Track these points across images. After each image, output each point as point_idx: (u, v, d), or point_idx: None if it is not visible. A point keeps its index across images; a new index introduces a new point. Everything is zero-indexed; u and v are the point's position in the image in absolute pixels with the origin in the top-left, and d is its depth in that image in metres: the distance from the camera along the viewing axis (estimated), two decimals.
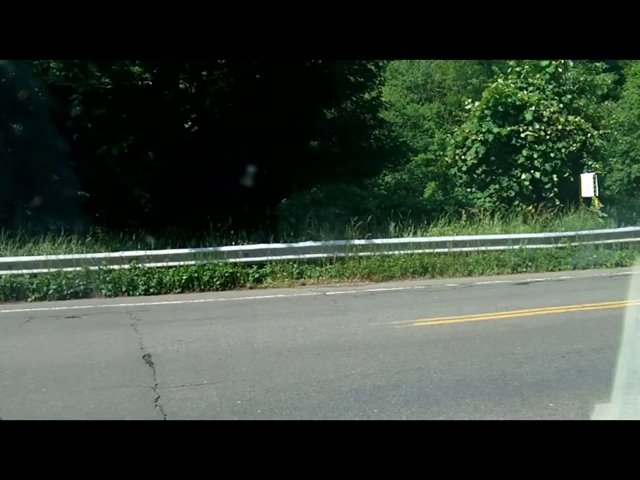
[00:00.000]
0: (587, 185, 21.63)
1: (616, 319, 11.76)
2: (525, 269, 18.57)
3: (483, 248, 18.79)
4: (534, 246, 19.06)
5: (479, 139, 23.15)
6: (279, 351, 9.89)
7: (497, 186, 23.04)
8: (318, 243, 18.25)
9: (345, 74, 26.55)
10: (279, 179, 23.43)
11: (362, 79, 28.37)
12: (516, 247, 18.89)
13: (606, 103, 41.13)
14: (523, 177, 22.72)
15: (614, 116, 34.26)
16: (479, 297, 15.15)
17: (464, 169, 23.56)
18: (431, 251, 18.53)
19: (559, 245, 19.32)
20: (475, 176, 23.45)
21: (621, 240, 19.93)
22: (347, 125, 28.19)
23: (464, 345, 10.05)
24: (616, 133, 39.01)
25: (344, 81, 26.54)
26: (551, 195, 22.50)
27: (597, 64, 27.33)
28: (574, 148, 22.89)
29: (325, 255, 18.05)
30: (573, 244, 19.36)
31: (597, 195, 21.56)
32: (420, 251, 18.43)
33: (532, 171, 22.76)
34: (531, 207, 21.66)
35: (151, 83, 20.77)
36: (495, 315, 12.27)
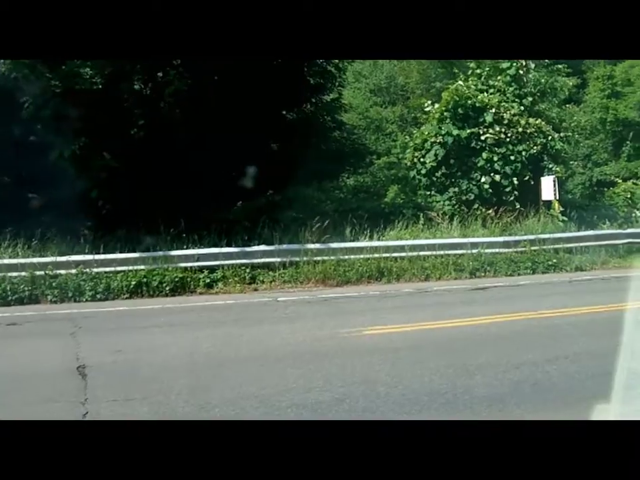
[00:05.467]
0: (547, 188, 21.28)
1: (573, 326, 11.53)
2: (483, 274, 18.18)
3: (441, 252, 18.38)
4: (493, 250, 18.67)
5: (438, 141, 22.73)
6: (221, 362, 9.53)
7: (457, 189, 22.65)
8: (271, 247, 17.73)
9: (304, 75, 26.04)
10: (236, 181, 22.85)
11: (322, 81, 27.85)
12: (474, 251, 18.49)
13: (568, 106, 41.18)
14: (483, 180, 22.33)
15: (575, 118, 34.08)
16: (435, 304, 14.77)
17: (423, 171, 23.12)
18: (388, 255, 18.09)
19: (519, 249, 18.94)
20: (435, 179, 23.05)
21: (581, 244, 19.61)
22: (306, 127, 27.67)
23: (414, 355, 9.72)
24: (577, 136, 39.16)
25: (304, 82, 26.03)
26: (511, 198, 22.14)
27: (559, 66, 26.93)
28: (534, 151, 22.54)
29: (279, 259, 17.55)
30: (533, 248, 18.99)
31: (557, 198, 21.21)
32: (377, 256, 17.97)
33: (492, 174, 22.37)
34: (490, 211, 21.28)
35: (101, 86, 20.09)
36: (449, 323, 11.88)
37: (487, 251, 18.54)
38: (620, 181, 28.59)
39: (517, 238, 19.34)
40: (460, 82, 23.81)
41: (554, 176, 21.47)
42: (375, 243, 18.41)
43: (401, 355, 9.69)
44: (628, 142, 37.19)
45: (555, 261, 18.72)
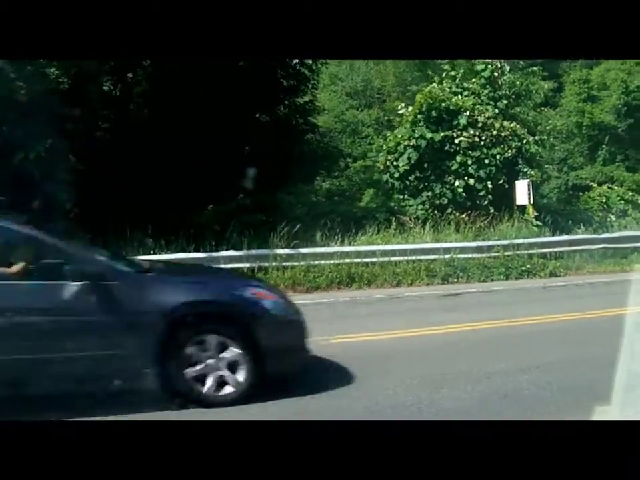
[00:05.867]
0: (522, 192, 20.96)
1: (547, 334, 11.21)
2: (456, 280, 17.83)
3: (413, 257, 18.02)
4: (466, 255, 18.33)
5: (411, 144, 22.37)
6: None
7: (430, 193, 22.29)
8: (240, 253, 17.30)
9: (277, 77, 25.70)
10: (207, 185, 22.43)
11: (295, 83, 27.53)
12: (447, 256, 18.12)
13: (544, 110, 41.04)
14: (457, 183, 21.99)
15: (550, 121, 33.92)
16: (407, 310, 14.41)
17: (396, 175, 22.73)
18: (359, 260, 17.70)
19: (492, 255, 18.61)
20: (408, 183, 22.67)
21: (555, 249, 19.33)
22: (280, 129, 27.29)
23: (380, 365, 9.34)
24: (553, 140, 39.00)
25: (277, 84, 25.69)
26: (485, 202, 21.82)
27: (535, 68, 26.63)
28: (509, 154, 22.23)
29: (247, 265, 17.10)
30: (506, 253, 18.68)
31: (532, 202, 20.89)
32: (347, 261, 17.59)
33: (466, 178, 22.05)
34: (464, 215, 20.95)
35: (67, 86, 19.64)
36: (419, 331, 11.53)
37: (459, 256, 18.19)
38: (595, 185, 28.45)
39: (490, 243, 19.03)
40: (434, 84, 23.45)
41: (528, 180, 21.15)
42: (346, 248, 18.04)
43: (366, 365, 9.28)
44: (604, 146, 37.13)
45: (528, 266, 18.42)
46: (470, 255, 18.41)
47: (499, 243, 18.97)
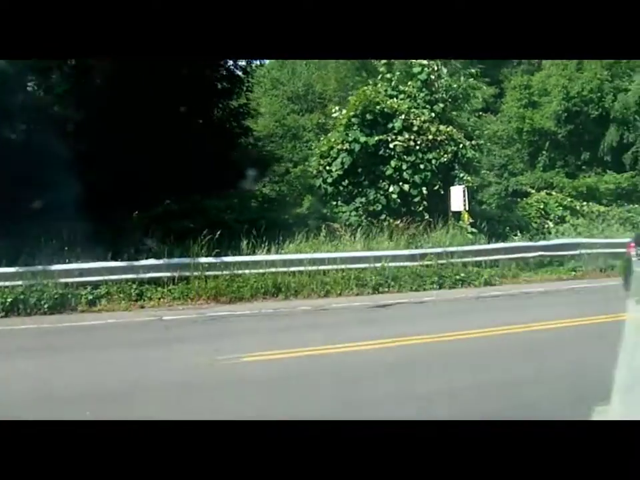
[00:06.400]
0: (457, 198, 20.34)
1: (476, 352, 10.54)
2: (387, 289, 17.18)
3: (343, 266, 17.31)
4: (398, 264, 17.66)
5: (344, 148, 21.56)
6: (72, 398, 8.16)
7: (364, 199, 21.48)
8: (160, 261, 16.41)
9: (211, 79, 24.95)
10: (133, 190, 21.46)
11: (229, 85, 26.82)
12: (378, 264, 17.42)
13: (485, 115, 40.88)
14: (391, 189, 21.24)
15: (490, 127, 33.65)
16: (331, 324, 13.69)
17: (329, 180, 21.88)
18: (286, 269, 16.94)
19: (425, 263, 17.96)
20: (341, 188, 21.86)
21: (490, 257, 18.75)
22: (212, 133, 26.43)
23: (295, 387, 8.65)
24: (494, 145, 38.80)
25: (210, 86, 24.92)
26: (420, 208, 21.13)
27: (473, 71, 26.00)
28: (445, 159, 21.56)
29: (168, 274, 16.26)
30: (440, 261, 18.05)
31: (467, 208, 20.25)
32: (274, 270, 16.86)
33: (400, 183, 21.30)
34: (398, 222, 20.23)
35: None
36: (343, 347, 10.78)
37: (391, 264, 17.52)
38: (533, 191, 28.06)
39: (423, 251, 18.37)
40: (367, 87, 22.70)
41: (464, 186, 20.52)
42: (272, 257, 17.27)
43: (278, 386, 8.64)
44: (544, 152, 37.13)
45: (462, 275, 17.82)
46: (402, 264, 17.75)
47: (432, 250, 18.32)
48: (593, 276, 19.24)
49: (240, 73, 27.53)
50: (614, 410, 4.40)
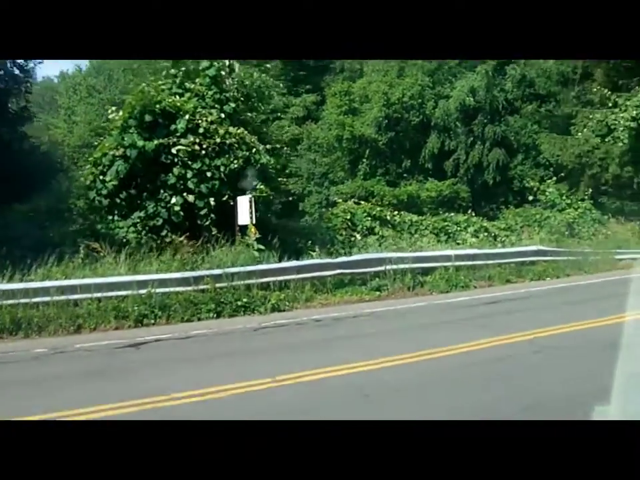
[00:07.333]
0: (243, 209, 17.56)
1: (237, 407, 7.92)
2: (153, 320, 14.20)
3: (99, 294, 14.17)
4: (168, 289, 14.68)
5: (120, 154, 18.36)
6: None
7: (143, 213, 18.35)
8: None
9: None
10: None
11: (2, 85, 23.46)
12: (143, 291, 14.41)
13: (306, 124, 39.33)
14: (174, 200, 18.11)
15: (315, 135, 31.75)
16: (51, 377, 10.34)
17: (104, 192, 18.58)
18: (28, 300, 13.63)
19: (201, 287, 15.04)
20: (118, 201, 18.64)
21: (280, 278, 15.97)
22: None
23: None
24: (309, 153, 37.15)
25: None
26: (207, 222, 18.15)
27: (268, 65, 23.40)
28: (236, 165, 18.69)
29: None
30: (219, 285, 15.13)
31: (254, 221, 17.41)
32: (13, 302, 13.50)
33: (185, 194, 18.23)
34: (182, 238, 17.27)
35: None
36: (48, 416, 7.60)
37: (159, 290, 14.52)
38: (340, 200, 25.81)
39: (198, 273, 15.36)
40: (147, 84, 19.52)
41: (250, 195, 17.66)
42: (10, 286, 13.90)
43: None
44: (364, 160, 35.78)
45: (245, 300, 14.98)
46: (173, 289, 14.77)
47: (209, 272, 15.35)
48: (400, 295, 16.97)
49: (18, 72, 24.26)
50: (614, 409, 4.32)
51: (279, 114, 30.33)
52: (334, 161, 36.91)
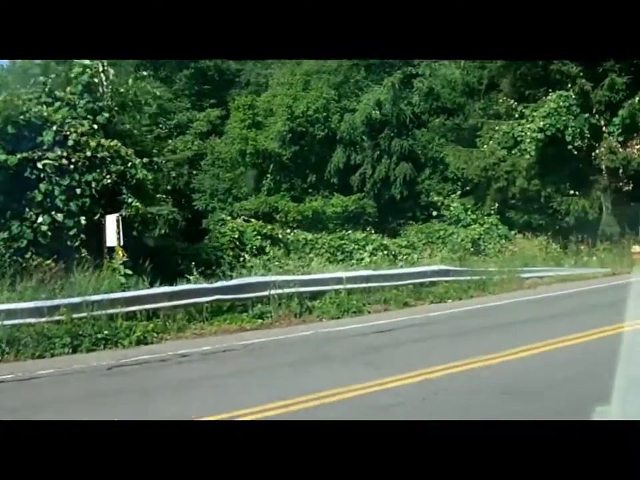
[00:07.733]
0: (111, 229, 15.94)
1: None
2: (0, 357, 12.47)
3: None
4: (17, 321, 12.98)
5: None
6: None
7: (6, 234, 16.49)
8: None
9: None
10: None
11: None
12: None
13: (210, 138, 38.16)
14: (40, 220, 16.36)
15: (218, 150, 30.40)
16: None
17: None
18: None
19: (56, 318, 13.35)
20: None
21: (149, 306, 14.36)
22: None
23: None
24: (219, 169, 36.08)
25: None
26: (77, 243, 16.45)
27: (144, 73, 21.84)
28: (109, 181, 17.05)
29: None
30: (77, 315, 13.45)
31: (121, 243, 15.76)
32: None
33: (52, 212, 16.46)
34: (50, 261, 15.57)
35: None
36: None
37: (7, 322, 12.83)
38: (228, 218, 24.33)
39: (53, 302, 13.62)
40: (9, 93, 17.69)
41: (117, 214, 16.02)
42: None
43: None
44: (268, 175, 34.55)
45: (107, 332, 13.31)
46: (24, 320, 13.07)
47: (66, 301, 13.63)
48: (286, 323, 15.53)
49: None
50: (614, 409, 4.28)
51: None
52: (237, 176, 35.63)
